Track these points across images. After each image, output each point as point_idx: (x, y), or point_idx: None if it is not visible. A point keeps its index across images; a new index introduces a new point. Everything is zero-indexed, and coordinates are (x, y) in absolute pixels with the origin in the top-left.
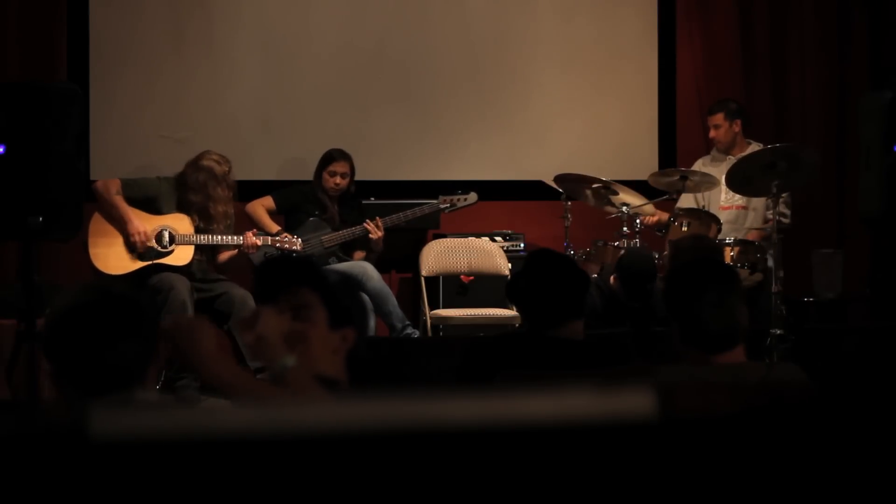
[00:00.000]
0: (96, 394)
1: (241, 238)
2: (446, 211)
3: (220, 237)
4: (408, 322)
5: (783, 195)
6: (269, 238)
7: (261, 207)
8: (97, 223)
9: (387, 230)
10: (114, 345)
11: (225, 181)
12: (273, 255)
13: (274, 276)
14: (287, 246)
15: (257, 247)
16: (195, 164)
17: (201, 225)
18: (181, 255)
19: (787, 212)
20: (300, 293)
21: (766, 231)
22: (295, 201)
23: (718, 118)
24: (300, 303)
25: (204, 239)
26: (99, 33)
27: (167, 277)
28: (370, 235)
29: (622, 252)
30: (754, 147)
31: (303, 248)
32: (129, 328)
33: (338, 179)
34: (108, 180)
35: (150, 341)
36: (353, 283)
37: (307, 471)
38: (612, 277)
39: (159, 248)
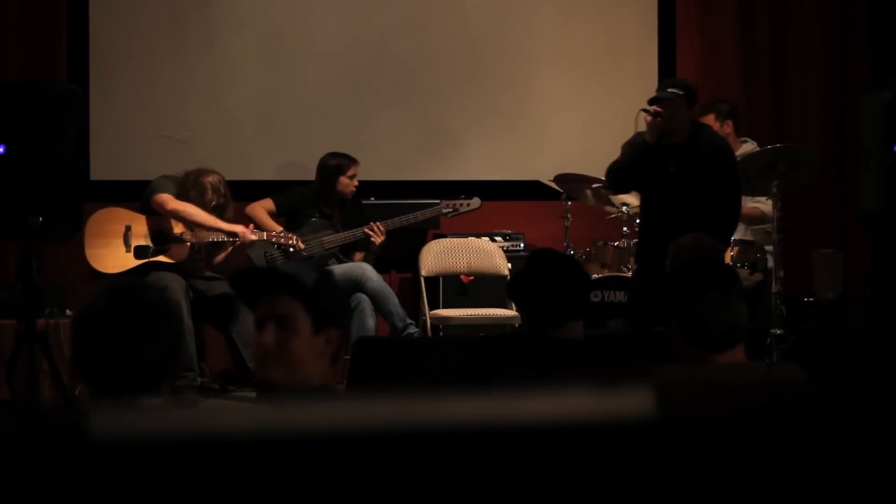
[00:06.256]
0: (114, 394)
1: (237, 236)
2: (449, 216)
3: (215, 234)
4: (410, 321)
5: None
6: (267, 234)
7: (261, 209)
8: (93, 224)
9: (388, 232)
10: (136, 347)
11: (209, 208)
12: (273, 254)
13: (251, 287)
14: (287, 242)
15: (253, 242)
16: (196, 180)
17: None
18: (176, 253)
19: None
20: (281, 303)
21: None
22: (295, 203)
23: (709, 119)
24: (282, 313)
25: (199, 237)
26: (99, 33)
27: (162, 276)
28: (371, 239)
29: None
30: (749, 145)
31: (303, 249)
32: (153, 332)
33: (356, 181)
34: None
35: (171, 348)
36: (352, 284)
37: (307, 471)
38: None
39: (154, 247)
